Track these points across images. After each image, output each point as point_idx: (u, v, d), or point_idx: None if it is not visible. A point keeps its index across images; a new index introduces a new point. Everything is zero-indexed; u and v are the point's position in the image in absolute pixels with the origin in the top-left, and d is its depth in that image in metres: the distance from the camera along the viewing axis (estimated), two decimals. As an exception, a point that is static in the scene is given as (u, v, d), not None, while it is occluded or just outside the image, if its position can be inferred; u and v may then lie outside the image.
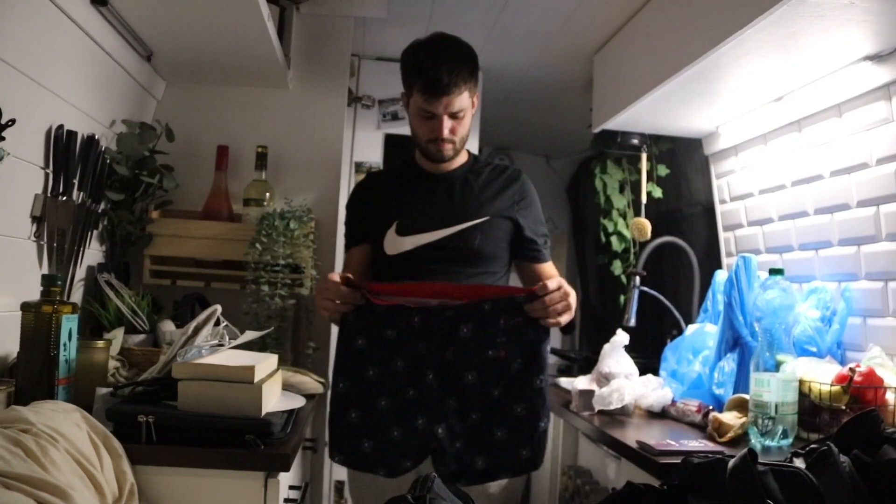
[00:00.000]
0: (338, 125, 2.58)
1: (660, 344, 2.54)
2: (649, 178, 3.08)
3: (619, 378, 2.08)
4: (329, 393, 1.72)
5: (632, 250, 3.32)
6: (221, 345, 1.65)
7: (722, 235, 2.66)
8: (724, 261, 2.64)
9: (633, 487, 1.28)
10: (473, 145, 3.11)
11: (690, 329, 2.28)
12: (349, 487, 1.87)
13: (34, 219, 1.71)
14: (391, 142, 3.12)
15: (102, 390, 1.50)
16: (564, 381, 2.42)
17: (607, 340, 2.19)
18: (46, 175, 1.75)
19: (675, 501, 1.23)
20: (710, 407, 1.88)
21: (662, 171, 3.18)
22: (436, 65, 1.74)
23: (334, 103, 2.59)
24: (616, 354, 2.15)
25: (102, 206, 2.06)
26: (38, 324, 1.43)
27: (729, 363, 1.96)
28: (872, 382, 1.60)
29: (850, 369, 1.63)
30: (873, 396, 1.59)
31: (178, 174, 2.32)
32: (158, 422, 1.36)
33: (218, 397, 1.41)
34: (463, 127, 1.84)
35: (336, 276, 1.62)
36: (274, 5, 2.28)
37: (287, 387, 1.79)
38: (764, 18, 1.58)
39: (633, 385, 2.06)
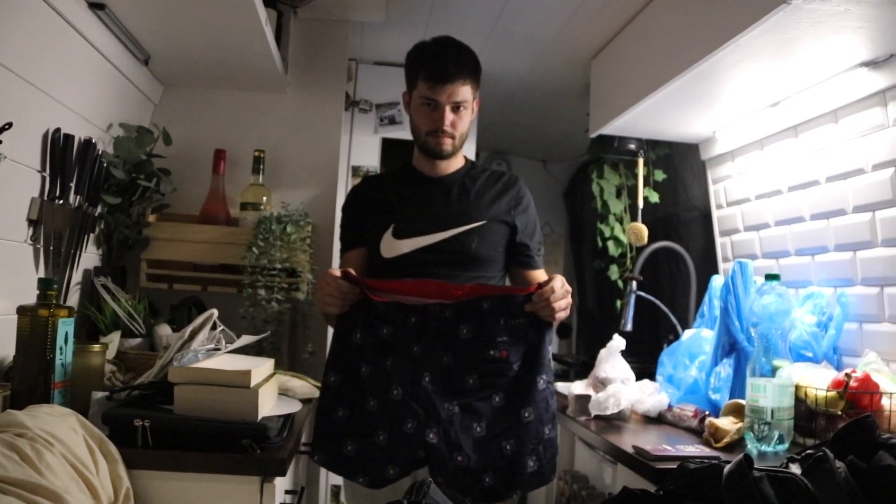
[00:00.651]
0: (335, 129, 2.59)
1: (656, 349, 2.55)
2: (646, 183, 3.08)
3: (616, 383, 2.08)
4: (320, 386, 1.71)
5: (629, 255, 3.32)
6: (218, 349, 1.65)
7: (718, 240, 2.66)
8: (721, 266, 2.64)
9: (630, 493, 1.28)
10: (471, 149, 3.12)
11: (687, 334, 2.28)
12: (345, 492, 1.87)
13: (31, 222, 1.71)
14: (388, 146, 3.13)
15: (98, 394, 1.50)
16: (561, 386, 2.41)
17: (604, 345, 2.19)
18: (43, 178, 1.75)
19: (671, 507, 1.24)
20: (707, 412, 1.88)
21: (659, 175, 3.19)
22: (442, 54, 1.81)
23: (332, 107, 2.59)
24: (613, 359, 2.16)
25: (99, 209, 2.06)
26: (34, 327, 1.43)
27: (725, 368, 1.96)
28: (868, 388, 1.61)
29: (846, 375, 1.64)
30: (869, 402, 1.60)
31: (175, 178, 2.32)
32: (154, 426, 1.36)
33: (214, 401, 1.41)
34: (463, 123, 1.85)
35: (336, 271, 1.63)
36: (271, 9, 2.28)
37: (283, 391, 1.79)
38: (760, 25, 1.58)
39: (630, 390, 2.06)
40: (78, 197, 1.89)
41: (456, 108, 1.82)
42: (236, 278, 2.25)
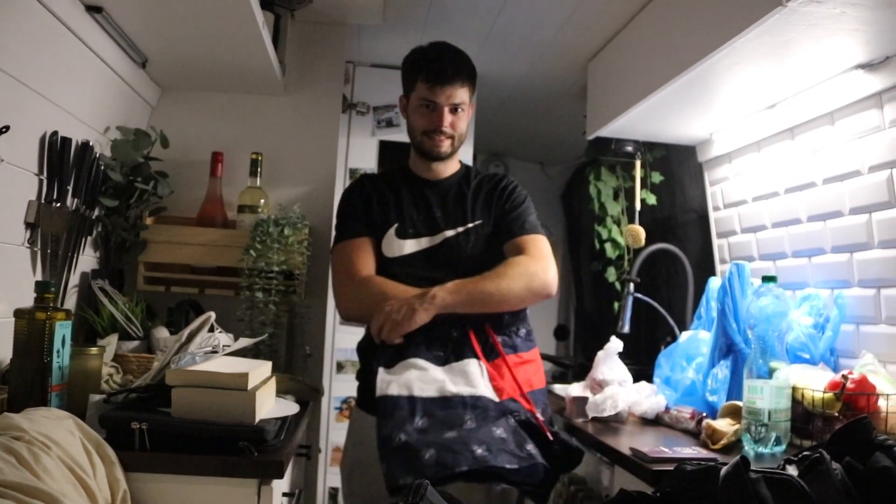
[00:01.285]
0: (332, 132, 2.59)
1: (654, 351, 2.55)
2: (643, 185, 3.09)
3: (613, 385, 2.08)
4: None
5: (626, 257, 3.33)
6: (215, 352, 1.65)
7: (715, 242, 2.67)
8: (718, 268, 2.64)
9: (627, 495, 1.28)
10: (468, 152, 3.12)
11: (684, 336, 2.28)
12: (343, 494, 1.87)
13: (28, 225, 1.71)
14: (385, 148, 3.12)
15: (96, 397, 1.50)
16: (558, 388, 2.42)
17: (601, 347, 2.19)
18: (40, 181, 1.75)
19: (668, 509, 1.24)
20: (704, 414, 1.88)
21: (656, 178, 3.19)
22: (441, 57, 1.85)
23: (329, 110, 2.59)
24: (610, 361, 2.16)
25: (96, 212, 2.06)
26: (31, 330, 1.43)
27: (722, 370, 1.96)
28: (865, 389, 1.61)
29: (843, 376, 1.64)
30: (866, 403, 1.60)
31: (172, 181, 2.31)
32: (152, 429, 1.36)
33: (211, 404, 1.41)
34: (460, 124, 1.87)
35: (424, 315, 1.72)
36: (269, 12, 2.28)
37: (281, 394, 1.79)
38: (757, 27, 1.59)
39: (627, 392, 2.06)
40: (75, 200, 1.89)
41: (454, 109, 1.85)
42: (234, 281, 2.25)
